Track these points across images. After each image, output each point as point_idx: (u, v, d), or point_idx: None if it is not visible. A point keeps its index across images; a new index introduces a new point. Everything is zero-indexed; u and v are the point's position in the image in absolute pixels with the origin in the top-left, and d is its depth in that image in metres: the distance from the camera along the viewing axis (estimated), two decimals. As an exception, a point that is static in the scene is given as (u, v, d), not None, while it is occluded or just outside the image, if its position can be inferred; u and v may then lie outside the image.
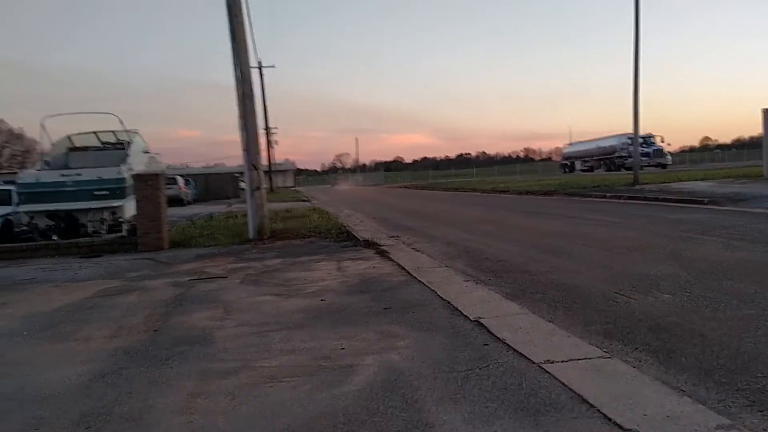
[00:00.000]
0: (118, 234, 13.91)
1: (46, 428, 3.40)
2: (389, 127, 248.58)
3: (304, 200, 33.45)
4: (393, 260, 8.79)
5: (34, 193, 13.53)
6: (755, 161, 44.06)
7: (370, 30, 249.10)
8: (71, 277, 9.02)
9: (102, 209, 13.87)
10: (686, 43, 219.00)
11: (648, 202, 17.71)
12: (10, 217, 14.85)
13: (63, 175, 13.73)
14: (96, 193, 13.63)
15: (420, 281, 7.08)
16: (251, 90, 12.58)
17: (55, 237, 13.54)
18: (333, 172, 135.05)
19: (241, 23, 12.35)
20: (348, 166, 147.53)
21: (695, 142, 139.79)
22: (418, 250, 9.94)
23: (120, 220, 14.31)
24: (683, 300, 5.60)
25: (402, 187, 55.12)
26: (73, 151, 15.90)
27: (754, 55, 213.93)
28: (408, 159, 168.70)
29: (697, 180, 26.38)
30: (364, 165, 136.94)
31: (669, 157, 57.60)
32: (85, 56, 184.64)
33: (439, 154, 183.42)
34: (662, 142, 57.06)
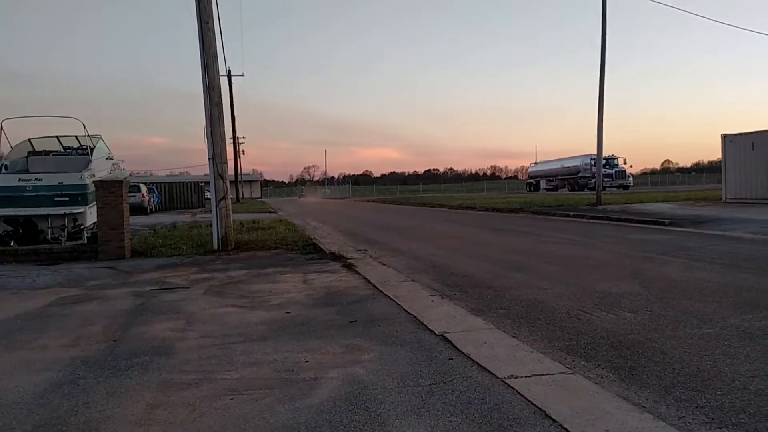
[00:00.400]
0: (79, 241, 13.59)
1: (-3, 440, 3.27)
2: (359, 140, 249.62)
3: (270, 211, 33.20)
4: (359, 273, 8.76)
5: None
6: (714, 185, 45.37)
7: (342, 43, 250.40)
8: (29, 285, 8.76)
9: (62, 216, 13.53)
10: (650, 67, 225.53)
11: (611, 222, 18.05)
12: (-35, 222, 14.37)
13: (22, 180, 13.37)
14: (57, 198, 13.30)
15: (386, 295, 7.07)
16: (219, 98, 12.48)
17: (12, 243, 13.15)
18: (301, 184, 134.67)
19: (211, 30, 12.27)
20: (316, 178, 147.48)
21: (656, 165, 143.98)
22: (385, 264, 9.93)
23: (81, 227, 13.98)
24: (644, 318, 5.70)
25: (370, 200, 55.16)
26: (34, 155, 15.49)
27: (715, 80, 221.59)
28: (377, 173, 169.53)
29: (658, 201, 27.02)
30: (333, 177, 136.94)
31: (631, 178, 59.05)
32: (49, 59, 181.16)
33: (408, 169, 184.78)
34: (624, 163, 58.53)
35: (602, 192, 27.23)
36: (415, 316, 5.91)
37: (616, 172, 56.29)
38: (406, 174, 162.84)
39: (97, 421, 3.49)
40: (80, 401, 3.82)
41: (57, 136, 16.62)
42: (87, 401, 3.82)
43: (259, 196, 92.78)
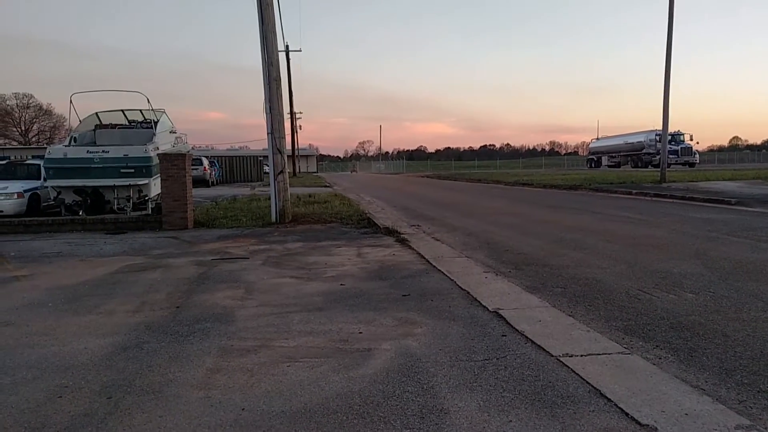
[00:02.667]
0: (143, 212, 14.09)
1: (69, 397, 3.47)
2: (413, 115, 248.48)
3: (326, 186, 33.55)
4: (413, 248, 8.79)
5: (61, 168, 13.72)
6: (786, 163, 43.15)
7: (398, 18, 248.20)
8: (96, 252, 9.17)
9: (128, 187, 14.04)
10: (719, 40, 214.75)
11: (674, 201, 17.45)
12: (37, 192, 15.11)
13: (90, 152, 13.90)
14: (122, 170, 13.79)
15: (439, 270, 7.08)
16: (278, 73, 12.61)
17: (81, 212, 13.75)
18: (356, 159, 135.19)
19: (270, 5, 12.36)
20: (371, 153, 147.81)
21: (724, 142, 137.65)
22: (438, 240, 9.92)
23: (145, 198, 14.48)
24: (706, 299, 5.52)
25: (424, 176, 54.97)
26: (101, 129, 16.07)
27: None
28: (431, 148, 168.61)
29: (725, 180, 25.93)
30: (387, 153, 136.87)
31: (697, 155, 56.69)
32: (113, 35, 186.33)
33: (463, 145, 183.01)
34: (691, 140, 56.17)
35: (667, 169, 26.31)
36: (468, 292, 5.90)
37: (681, 148, 54.12)
38: (461, 149, 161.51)
39: (160, 384, 3.65)
40: (144, 364, 4.00)
41: (122, 110, 17.18)
42: (150, 365, 4.00)
43: (315, 170, 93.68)
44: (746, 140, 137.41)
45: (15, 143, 79.93)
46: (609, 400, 3.25)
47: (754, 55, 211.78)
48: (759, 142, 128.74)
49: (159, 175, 12.71)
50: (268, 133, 12.58)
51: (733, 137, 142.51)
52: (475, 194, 24.03)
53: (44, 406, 3.34)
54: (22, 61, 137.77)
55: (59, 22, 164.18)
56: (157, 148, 14.30)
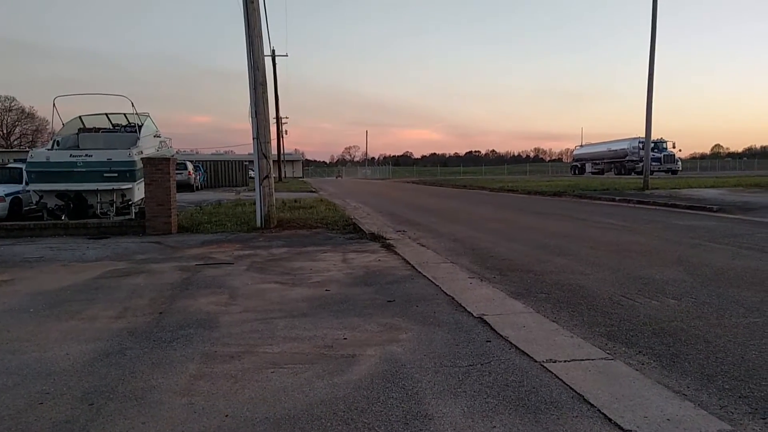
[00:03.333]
0: (127, 217, 13.99)
1: (50, 403, 3.43)
2: (399, 121, 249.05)
3: (312, 191, 33.48)
4: (398, 254, 8.80)
5: (44, 172, 13.59)
6: (767, 170, 43.72)
7: (384, 24, 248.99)
8: (79, 257, 9.07)
9: (111, 191, 13.92)
10: (701, 49, 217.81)
11: (657, 207, 17.62)
12: (19, 196, 14.94)
13: (73, 156, 13.78)
14: (106, 174, 13.68)
15: (425, 276, 7.09)
16: (264, 78, 12.58)
17: (63, 217, 13.62)
18: (342, 164, 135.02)
19: (256, 10, 12.36)
20: (357, 158, 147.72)
21: (706, 149, 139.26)
22: (423, 246, 9.94)
23: (129, 202, 14.38)
24: (689, 305, 5.58)
25: (410, 182, 55.06)
26: (84, 132, 15.94)
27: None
28: (417, 154, 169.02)
29: (707, 187, 26.23)
30: (373, 158, 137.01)
31: (679, 163, 57.33)
32: (98, 38, 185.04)
33: (449, 151, 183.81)
34: (673, 147, 56.79)
35: (650, 176, 26.56)
36: (453, 298, 5.91)
37: (664, 156, 54.70)
38: (447, 155, 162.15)
39: (143, 390, 3.62)
40: (127, 371, 3.97)
41: (106, 114, 17.06)
42: (133, 371, 3.96)
43: (301, 175, 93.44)
44: (728, 148, 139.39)
45: (-4, 146, 78.93)
46: (592, 405, 3.27)
47: (736, 64, 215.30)
48: (740, 149, 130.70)
49: (143, 179, 12.63)
50: (253, 138, 12.55)
51: (715, 145, 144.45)
52: (461, 200, 24.10)
53: (25, 413, 3.29)
54: (4, 64, 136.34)
55: (42, 24, 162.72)
56: (141, 152, 14.21)
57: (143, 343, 4.59)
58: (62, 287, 6.84)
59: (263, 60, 12.63)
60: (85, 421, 3.18)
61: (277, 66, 51.74)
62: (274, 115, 52.83)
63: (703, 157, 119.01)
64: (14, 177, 15.71)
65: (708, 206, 16.39)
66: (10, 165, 17.25)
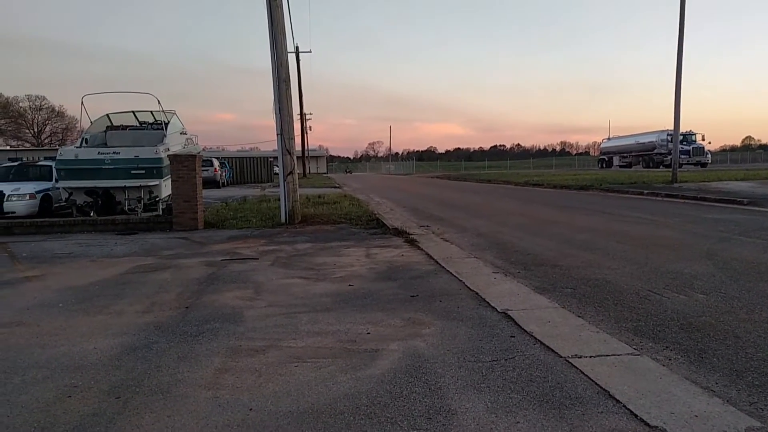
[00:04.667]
0: (154, 213, 14.16)
1: (78, 396, 3.49)
2: (423, 116, 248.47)
3: (335, 187, 33.59)
4: (422, 249, 8.78)
5: (72, 169, 13.82)
6: (800, 163, 42.68)
7: (407, 19, 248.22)
8: (107, 253, 9.23)
9: (138, 188, 14.11)
10: (731, 40, 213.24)
11: (686, 201, 17.33)
12: (49, 193, 15.23)
13: (101, 153, 13.99)
14: (133, 171, 13.86)
15: (448, 271, 7.06)
16: (287, 74, 12.64)
17: (92, 213, 13.84)
18: (366, 160, 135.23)
19: (280, 6, 12.40)
20: (381, 154, 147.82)
21: (737, 142, 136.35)
22: (447, 241, 9.90)
23: (156, 199, 14.55)
24: (717, 300, 5.48)
25: (434, 177, 54.92)
26: (112, 130, 16.18)
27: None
28: (441, 149, 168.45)
29: (737, 180, 25.71)
30: (397, 153, 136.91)
31: (709, 155, 56.24)
32: (124, 37, 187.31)
33: (473, 145, 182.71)
34: (703, 140, 55.73)
35: (678, 169, 26.12)
36: (477, 293, 5.88)
37: (693, 148, 53.72)
38: (471, 150, 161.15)
39: (169, 384, 3.66)
40: (153, 364, 4.02)
41: (133, 112, 17.29)
42: (159, 365, 4.02)
43: (325, 171, 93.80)
44: (759, 140, 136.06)
45: (28, 145, 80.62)
46: (618, 401, 3.23)
47: (766, 54, 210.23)
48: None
49: (169, 176, 12.78)
50: (277, 134, 12.62)
51: (746, 137, 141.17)
52: (485, 195, 23.97)
53: (54, 406, 3.36)
54: (35, 64, 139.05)
55: (71, 24, 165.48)
56: (168, 149, 14.37)
57: (169, 337, 4.65)
58: (91, 282, 6.96)
59: (287, 56, 12.68)
60: (112, 414, 3.23)
61: (300, 62, 51.99)
62: (298, 112, 53.10)
63: (733, 149, 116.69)
64: (44, 175, 16.03)
65: (738, 199, 16.07)
66: (40, 163, 17.59)
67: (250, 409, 3.25)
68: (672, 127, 25.85)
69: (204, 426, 3.06)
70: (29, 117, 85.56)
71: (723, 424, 2.94)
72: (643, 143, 59.31)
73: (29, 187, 14.95)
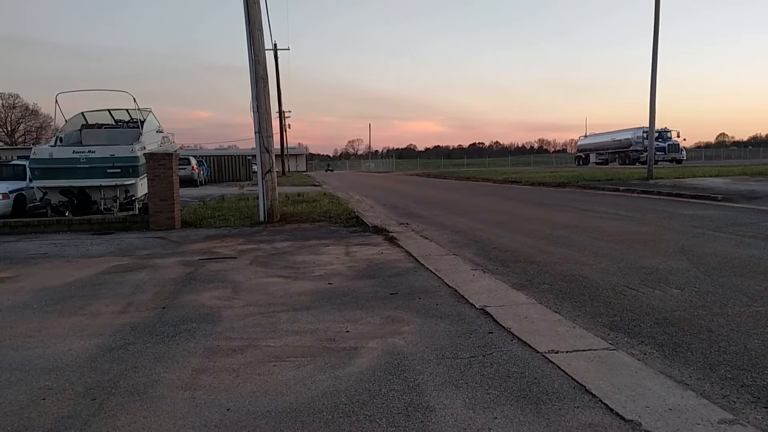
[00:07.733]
0: (130, 212, 14.01)
1: (53, 399, 3.44)
2: (403, 114, 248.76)
3: (315, 185, 33.50)
4: (401, 247, 8.79)
5: (47, 168, 13.62)
6: (772, 159, 43.48)
7: (386, 16, 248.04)
8: (83, 253, 9.10)
9: (114, 187, 13.95)
10: (706, 38, 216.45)
11: (661, 197, 17.57)
12: (23, 192, 14.98)
13: (76, 152, 13.80)
14: (108, 170, 13.71)
15: (427, 268, 7.08)
16: (265, 72, 12.56)
17: (67, 213, 13.65)
18: (345, 158, 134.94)
19: (257, 3, 12.32)
20: (360, 152, 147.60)
21: (711, 138, 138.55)
22: (426, 238, 9.93)
23: (132, 198, 14.40)
24: (692, 295, 5.56)
25: (414, 174, 54.99)
26: (87, 128, 15.95)
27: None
28: (420, 147, 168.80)
29: (711, 176, 26.11)
30: (377, 151, 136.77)
31: (684, 152, 57.09)
32: (100, 34, 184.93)
33: (452, 143, 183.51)
34: (678, 137, 56.52)
35: (654, 166, 26.44)
36: (455, 290, 5.91)
37: (669, 145, 54.43)
38: (451, 148, 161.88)
39: (145, 385, 3.63)
40: (129, 365, 3.98)
41: (109, 110, 17.07)
42: (136, 365, 3.97)
43: (305, 169, 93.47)
44: (733, 137, 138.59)
45: (1, 144, 79.21)
46: (594, 396, 3.27)
47: (740, 52, 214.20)
48: (745, 138, 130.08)
49: (146, 174, 12.63)
50: (255, 132, 12.54)
51: (720, 134, 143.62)
52: (465, 192, 24.07)
53: (27, 409, 3.31)
54: (8, 61, 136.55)
55: (45, 21, 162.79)
56: (144, 148, 14.21)
57: (146, 338, 4.60)
58: (66, 283, 6.86)
59: (264, 54, 12.60)
60: (87, 416, 3.19)
61: (279, 60, 51.72)
62: (277, 110, 52.81)
63: (708, 146, 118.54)
64: (18, 174, 15.77)
65: (712, 195, 16.34)
66: (13, 162, 17.30)
67: (228, 410, 3.23)
68: (648, 124, 26.19)
69: (181, 427, 3.04)
70: (2, 115, 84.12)
71: (697, 416, 2.98)
72: (620, 140, 60.01)
73: (2, 186, 14.70)
